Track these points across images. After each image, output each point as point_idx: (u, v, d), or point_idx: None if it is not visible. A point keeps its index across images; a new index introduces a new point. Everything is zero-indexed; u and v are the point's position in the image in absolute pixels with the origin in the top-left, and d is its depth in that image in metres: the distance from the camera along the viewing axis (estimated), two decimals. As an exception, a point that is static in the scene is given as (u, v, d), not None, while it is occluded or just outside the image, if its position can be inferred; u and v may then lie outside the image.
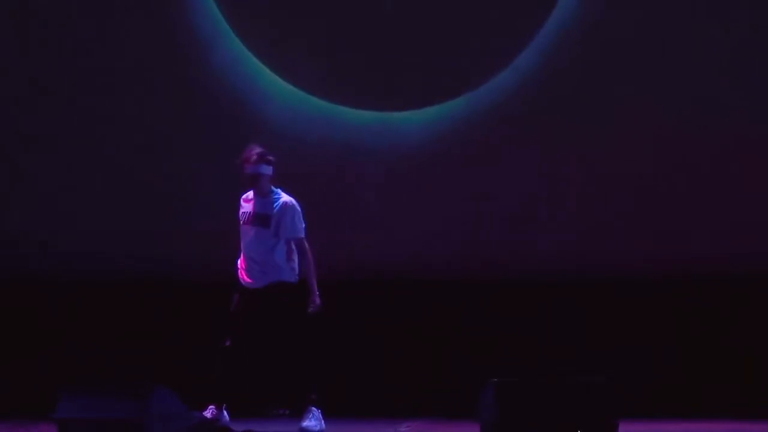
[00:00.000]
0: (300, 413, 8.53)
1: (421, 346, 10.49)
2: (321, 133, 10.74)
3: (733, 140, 10.58)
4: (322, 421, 8.46)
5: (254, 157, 8.48)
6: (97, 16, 10.78)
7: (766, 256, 10.51)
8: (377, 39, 10.76)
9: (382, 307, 10.50)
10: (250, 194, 8.61)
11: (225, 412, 8.46)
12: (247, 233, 8.54)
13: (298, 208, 8.58)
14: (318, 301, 8.46)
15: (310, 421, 8.42)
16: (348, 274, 10.21)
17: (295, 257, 8.60)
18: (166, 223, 10.73)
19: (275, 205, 8.52)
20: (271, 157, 8.55)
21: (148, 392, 6.97)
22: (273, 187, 8.61)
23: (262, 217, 8.51)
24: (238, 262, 8.59)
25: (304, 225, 8.59)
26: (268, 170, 8.53)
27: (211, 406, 8.40)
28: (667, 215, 10.64)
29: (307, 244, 8.58)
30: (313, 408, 8.45)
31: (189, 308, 10.62)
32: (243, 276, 8.52)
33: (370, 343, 10.52)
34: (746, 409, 9.93)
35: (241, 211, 8.60)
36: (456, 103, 10.70)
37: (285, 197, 8.59)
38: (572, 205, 10.66)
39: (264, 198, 8.55)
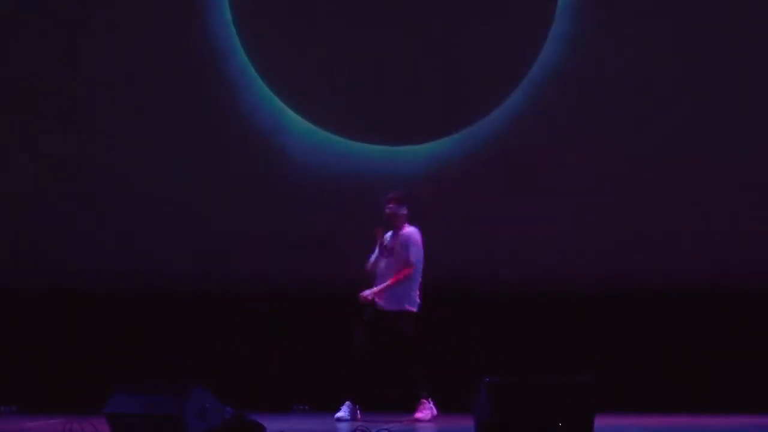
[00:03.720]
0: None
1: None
2: (336, 165, 11.38)
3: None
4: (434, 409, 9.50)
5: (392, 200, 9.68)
6: (137, 62, 11.42)
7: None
8: (387, 84, 11.35)
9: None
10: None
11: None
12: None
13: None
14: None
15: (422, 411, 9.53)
16: (359, 286, 10.78)
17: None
18: (197, 243, 11.39)
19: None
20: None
21: (187, 390, 7.19)
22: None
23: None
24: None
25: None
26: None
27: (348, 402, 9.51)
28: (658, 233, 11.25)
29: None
30: (424, 400, 9.51)
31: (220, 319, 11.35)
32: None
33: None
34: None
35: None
36: (455, 138, 11.36)
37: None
38: (566, 225, 11.21)
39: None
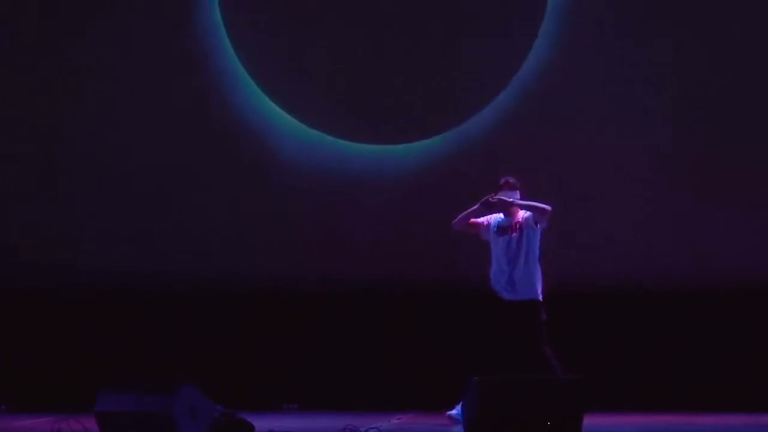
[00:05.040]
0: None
1: (411, 349, 10.98)
2: (328, 164, 11.42)
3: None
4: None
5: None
6: (133, 63, 11.48)
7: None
8: (377, 83, 11.41)
9: (376, 314, 11.08)
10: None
11: None
12: None
13: None
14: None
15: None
16: (354, 285, 11.02)
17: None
18: (193, 242, 11.44)
19: None
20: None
21: (176, 388, 7.25)
22: None
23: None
24: None
25: None
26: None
27: None
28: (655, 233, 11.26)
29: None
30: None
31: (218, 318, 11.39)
32: None
33: (369, 345, 11.09)
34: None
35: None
36: (445, 136, 11.40)
37: None
38: (562, 225, 10.71)
39: None
